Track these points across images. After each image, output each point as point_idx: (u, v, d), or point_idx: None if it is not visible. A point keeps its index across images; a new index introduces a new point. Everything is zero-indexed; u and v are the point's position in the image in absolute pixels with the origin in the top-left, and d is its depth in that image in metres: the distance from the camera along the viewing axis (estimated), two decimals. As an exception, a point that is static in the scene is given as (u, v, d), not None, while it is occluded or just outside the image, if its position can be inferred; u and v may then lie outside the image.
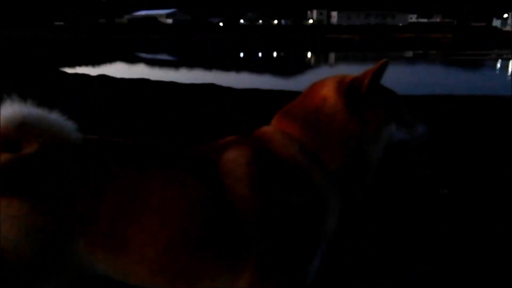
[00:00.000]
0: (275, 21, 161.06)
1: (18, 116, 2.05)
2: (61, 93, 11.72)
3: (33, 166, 2.02)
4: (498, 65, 36.42)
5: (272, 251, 2.04)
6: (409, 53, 46.96)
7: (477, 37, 75.16)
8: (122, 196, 2.03)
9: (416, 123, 2.39)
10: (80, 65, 28.27)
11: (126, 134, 7.39)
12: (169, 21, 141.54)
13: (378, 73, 2.19)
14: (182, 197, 2.05)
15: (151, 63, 36.24)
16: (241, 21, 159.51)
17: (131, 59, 38.28)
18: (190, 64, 35.62)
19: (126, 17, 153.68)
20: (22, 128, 2.05)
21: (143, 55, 45.12)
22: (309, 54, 51.15)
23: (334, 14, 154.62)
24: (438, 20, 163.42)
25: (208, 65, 33.03)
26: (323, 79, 2.37)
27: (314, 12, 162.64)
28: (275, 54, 51.49)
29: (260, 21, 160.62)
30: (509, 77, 27.18)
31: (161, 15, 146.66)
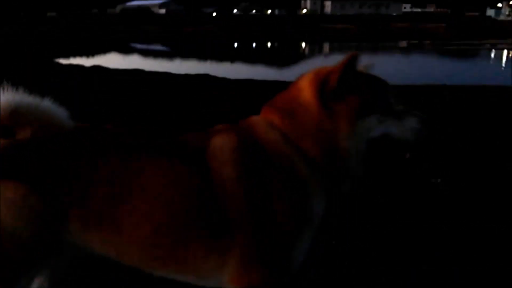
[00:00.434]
0: (269, 11, 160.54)
1: (10, 103, 2.10)
2: (55, 84, 11.70)
3: (28, 151, 2.09)
4: (492, 55, 36.47)
5: (256, 234, 2.11)
6: (403, 43, 46.98)
7: (471, 27, 75.11)
8: (114, 178, 2.10)
9: (407, 116, 2.26)
10: (74, 56, 28.17)
11: (120, 124, 7.39)
12: (162, 11, 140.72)
13: (347, 68, 2.17)
14: (171, 180, 2.13)
15: (145, 53, 36.19)
16: (235, 11, 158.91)
17: (125, 50, 38.18)
18: (184, 54, 35.56)
19: (119, 7, 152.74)
20: (15, 115, 2.11)
21: (137, 45, 45.00)
22: (303, 45, 51.10)
23: (328, 3, 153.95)
24: (432, 10, 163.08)
25: (202, 56, 32.98)
26: (310, 70, 2.42)
27: (308, 1, 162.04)
28: (269, 44, 51.42)
29: (254, 11, 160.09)
30: (503, 67, 27.25)
31: (154, 5, 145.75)
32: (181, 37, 60.29)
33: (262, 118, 2.33)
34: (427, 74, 19.11)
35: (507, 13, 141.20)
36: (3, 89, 2.15)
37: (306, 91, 2.25)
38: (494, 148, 7.49)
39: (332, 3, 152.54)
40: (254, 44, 51.07)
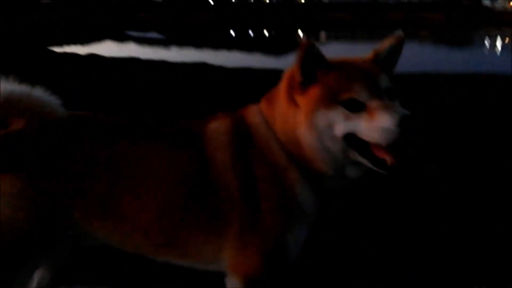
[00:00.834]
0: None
1: (1, 93, 2.09)
2: (49, 73, 11.66)
3: (22, 142, 2.08)
4: (487, 44, 36.45)
5: (246, 218, 2.14)
6: (400, 32, 46.65)
7: (468, 15, 74.91)
8: (114, 166, 2.13)
9: (380, 113, 1.96)
10: (68, 44, 28.00)
11: (117, 113, 7.39)
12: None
13: (303, 58, 2.09)
14: (171, 165, 2.16)
15: (140, 41, 35.95)
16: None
17: (121, 38, 37.94)
18: (181, 42, 35.38)
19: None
20: (7, 105, 2.09)
21: (132, 33, 44.72)
22: (300, 33, 50.92)
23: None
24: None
25: (198, 44, 32.81)
26: None
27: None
28: (266, 32, 51.21)
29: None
30: (498, 55, 27.25)
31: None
32: (178, 25, 59.98)
33: (256, 105, 2.36)
34: (423, 63, 19.07)
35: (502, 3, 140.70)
36: None
37: (282, 82, 2.26)
38: (489, 136, 7.52)
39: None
40: (251, 32, 50.85)
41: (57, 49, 22.76)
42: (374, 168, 2.04)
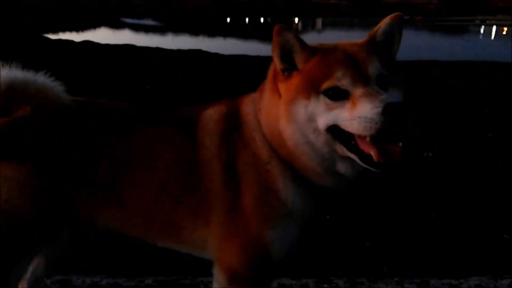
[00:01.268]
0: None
1: (5, 80, 2.06)
2: (44, 60, 11.62)
3: (27, 129, 2.05)
4: (482, 31, 36.47)
5: (230, 210, 2.07)
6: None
7: (462, 3, 74.78)
8: (116, 152, 2.11)
9: (362, 102, 1.76)
10: (63, 31, 27.86)
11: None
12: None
13: (277, 43, 1.97)
14: (166, 151, 2.13)
15: (136, 28, 35.80)
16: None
17: (116, 25, 37.79)
18: (176, 29, 35.26)
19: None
20: (10, 92, 2.06)
21: (128, 20, 44.52)
22: (296, 20, 50.78)
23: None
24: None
25: (194, 31, 32.72)
26: None
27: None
28: (262, 19, 51.05)
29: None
30: (492, 43, 27.28)
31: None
32: (173, 11, 59.74)
33: (251, 94, 2.30)
34: (418, 50, 19.07)
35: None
36: None
37: (269, 71, 2.14)
38: (485, 122, 7.55)
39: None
40: (247, 20, 50.71)
41: (52, 36, 22.64)
42: (362, 164, 1.83)
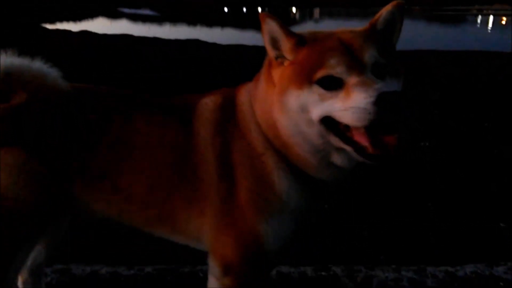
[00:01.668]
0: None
1: (2, 65, 2.04)
2: (42, 50, 11.58)
3: (25, 115, 2.03)
4: (479, 21, 36.45)
5: (224, 201, 2.04)
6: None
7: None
8: (113, 138, 2.10)
9: (355, 91, 1.69)
10: (60, 21, 27.74)
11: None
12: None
13: (267, 34, 1.93)
14: (161, 138, 2.12)
15: (133, 18, 35.70)
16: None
17: (113, 15, 37.65)
18: (174, 19, 35.15)
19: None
20: (7, 78, 2.04)
21: (125, 10, 44.36)
22: (294, 10, 50.63)
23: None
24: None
25: (192, 21, 32.61)
26: None
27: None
28: (259, 9, 50.88)
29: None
30: (489, 32, 27.27)
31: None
32: (171, 1, 59.48)
33: (248, 83, 2.25)
34: (416, 40, 19.06)
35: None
36: None
37: (266, 60, 2.08)
38: (480, 111, 7.56)
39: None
40: (244, 9, 50.53)
41: (50, 26, 22.56)
42: (357, 156, 1.77)
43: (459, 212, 4.44)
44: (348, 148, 1.78)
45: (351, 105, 1.67)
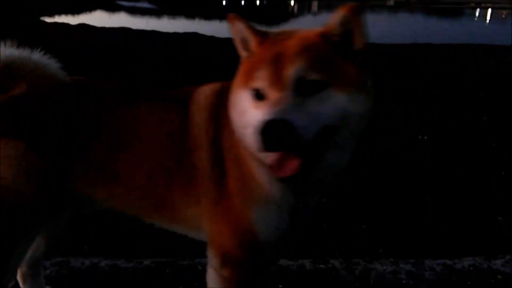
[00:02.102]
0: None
1: (1, 56, 2.04)
2: (40, 43, 11.53)
3: (25, 106, 2.03)
4: (477, 14, 36.45)
5: (217, 189, 2.03)
6: (391, 2, 46.75)
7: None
8: (113, 128, 2.11)
9: (261, 115, 1.63)
10: (59, 14, 27.65)
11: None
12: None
13: (233, 33, 1.95)
14: (159, 126, 2.11)
15: (131, 11, 35.58)
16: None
17: (111, 8, 37.52)
18: (172, 12, 35.05)
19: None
20: (6, 69, 2.05)
21: (123, 3, 44.18)
22: (292, 2, 50.53)
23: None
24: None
25: (190, 14, 32.52)
26: None
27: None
28: (258, 2, 50.78)
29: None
30: (487, 25, 27.27)
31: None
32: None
33: None
34: (414, 33, 19.05)
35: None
36: None
37: None
38: (478, 105, 7.57)
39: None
40: (242, 2, 50.43)
41: (48, 19, 22.49)
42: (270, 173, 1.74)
43: (457, 206, 4.45)
44: (266, 162, 1.77)
45: (251, 126, 1.66)
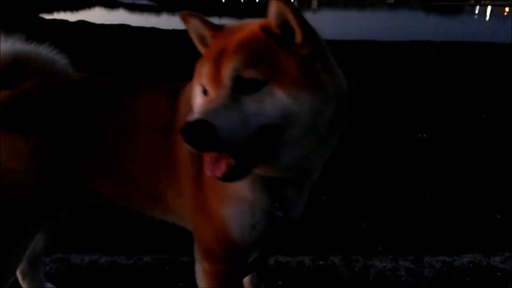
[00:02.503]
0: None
1: (11, 51, 2.04)
2: (40, 40, 11.52)
3: (34, 101, 2.03)
4: (476, 11, 36.47)
5: (195, 182, 2.00)
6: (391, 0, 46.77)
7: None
8: (113, 123, 2.11)
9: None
10: (57, 11, 27.62)
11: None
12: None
13: (192, 34, 1.93)
14: (152, 117, 2.10)
15: (131, 8, 35.59)
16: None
17: (110, 4, 37.50)
18: (171, 9, 35.02)
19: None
20: (16, 64, 2.04)
21: (123, 0, 44.18)
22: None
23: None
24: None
25: (189, 10, 32.42)
26: None
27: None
28: (257, -1, 50.73)
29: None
30: (486, 23, 27.28)
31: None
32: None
33: None
34: (413, 31, 19.05)
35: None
36: (3, 37, 2.09)
37: None
38: (477, 102, 7.57)
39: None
40: (241, -1, 50.36)
41: (47, 16, 22.46)
42: None
43: (456, 203, 4.45)
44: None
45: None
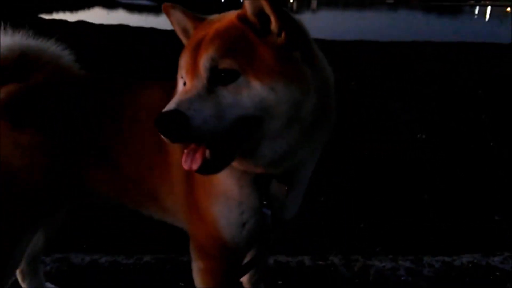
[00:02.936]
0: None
1: (19, 46, 2.06)
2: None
3: (41, 96, 2.04)
4: (476, 12, 36.51)
5: (186, 179, 1.99)
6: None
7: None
8: (114, 120, 2.11)
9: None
10: (57, 11, 27.61)
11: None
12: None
13: (175, 26, 1.94)
14: (149, 113, 2.02)
15: (130, 8, 35.57)
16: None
17: (110, 4, 37.49)
18: (171, 9, 35.00)
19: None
20: (24, 59, 2.06)
21: (122, 0, 44.17)
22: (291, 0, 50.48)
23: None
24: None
25: (189, 11, 32.45)
26: None
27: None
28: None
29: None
30: (486, 23, 27.30)
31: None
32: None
33: None
34: (413, 31, 19.06)
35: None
36: (10, 32, 2.11)
37: None
38: (477, 103, 7.58)
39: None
40: (241, -1, 50.43)
41: (46, 16, 22.45)
42: None
43: (456, 203, 4.46)
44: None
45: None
